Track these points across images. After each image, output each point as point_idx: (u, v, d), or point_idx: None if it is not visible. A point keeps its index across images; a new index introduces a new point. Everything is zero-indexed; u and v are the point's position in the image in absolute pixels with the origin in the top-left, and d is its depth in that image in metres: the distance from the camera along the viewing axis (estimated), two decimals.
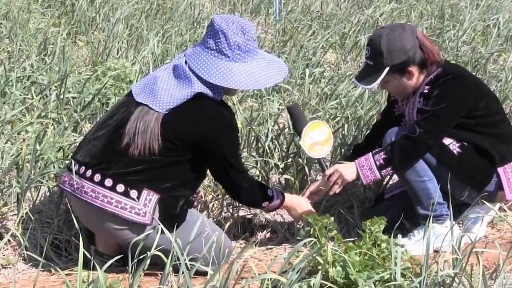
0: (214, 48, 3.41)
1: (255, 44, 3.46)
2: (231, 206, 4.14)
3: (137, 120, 3.37)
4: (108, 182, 3.38)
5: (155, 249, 2.99)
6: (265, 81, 3.47)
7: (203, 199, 4.14)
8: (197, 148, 3.41)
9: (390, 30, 3.84)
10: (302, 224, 3.92)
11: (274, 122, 4.65)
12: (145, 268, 2.91)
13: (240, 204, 4.12)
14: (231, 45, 3.39)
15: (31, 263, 3.69)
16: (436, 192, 3.85)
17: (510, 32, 7.80)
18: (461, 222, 4.02)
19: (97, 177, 3.40)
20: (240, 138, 3.61)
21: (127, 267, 3.46)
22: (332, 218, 3.43)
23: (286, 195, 3.79)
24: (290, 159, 4.28)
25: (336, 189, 3.86)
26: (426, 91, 3.87)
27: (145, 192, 3.39)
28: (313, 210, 3.85)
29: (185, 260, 2.82)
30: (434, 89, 3.83)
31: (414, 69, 3.84)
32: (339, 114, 4.82)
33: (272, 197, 3.69)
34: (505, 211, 4.36)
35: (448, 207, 3.82)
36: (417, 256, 3.39)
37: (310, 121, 3.86)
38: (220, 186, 4.03)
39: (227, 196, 4.16)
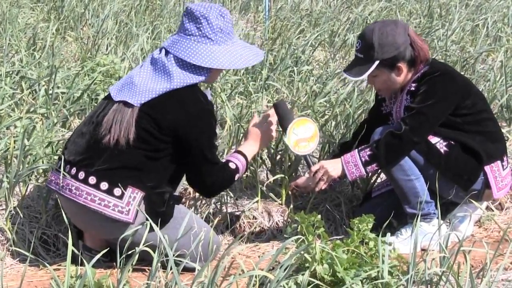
0: (197, 33, 3.44)
1: (232, 28, 3.53)
2: (219, 203, 4.14)
3: (115, 113, 3.41)
4: (92, 179, 3.40)
5: (143, 244, 2.99)
6: (249, 60, 3.52)
7: (191, 196, 4.14)
8: (173, 138, 3.41)
9: (383, 25, 3.86)
10: (290, 221, 3.93)
11: None
12: (133, 263, 2.91)
13: (228, 201, 4.12)
14: (214, 28, 3.44)
15: (19, 258, 3.70)
16: (424, 191, 3.86)
17: (498, 32, 7.82)
18: (448, 221, 4.02)
19: (81, 175, 3.42)
20: (216, 127, 3.60)
21: (114, 263, 3.50)
22: (319, 216, 3.42)
23: (241, 148, 3.74)
24: (278, 156, 4.27)
25: (322, 185, 3.86)
26: (413, 88, 3.88)
27: (129, 190, 3.40)
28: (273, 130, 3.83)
29: (173, 256, 2.82)
30: (421, 87, 3.84)
31: (403, 66, 3.84)
32: (328, 112, 4.82)
33: (237, 167, 3.63)
34: (492, 210, 4.38)
35: (436, 206, 3.84)
36: (404, 254, 3.40)
37: (296, 118, 3.86)
38: None
39: None
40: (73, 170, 3.44)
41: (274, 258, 3.01)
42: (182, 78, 3.41)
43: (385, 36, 3.81)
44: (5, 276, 3.48)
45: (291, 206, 4.05)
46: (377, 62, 3.82)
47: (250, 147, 3.75)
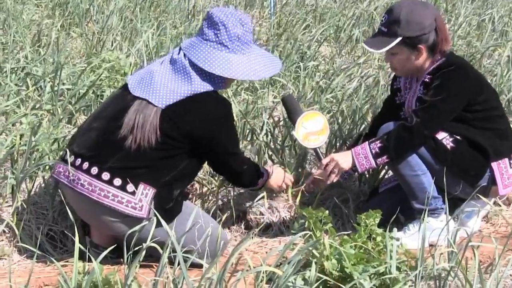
0: (214, 39, 3.43)
1: (251, 37, 3.50)
2: (226, 198, 4.14)
3: (136, 113, 3.38)
4: (106, 175, 3.39)
5: (150, 240, 2.99)
6: (263, 72, 3.52)
7: (197, 192, 4.15)
8: (194, 140, 3.43)
9: (413, 3, 3.83)
10: (297, 216, 3.94)
11: (269, 115, 4.65)
12: (141, 259, 2.92)
13: (235, 197, 4.12)
14: (231, 36, 3.42)
15: (26, 254, 3.70)
16: (431, 186, 3.85)
17: (504, 27, 7.81)
18: (456, 217, 4.02)
19: (94, 170, 3.41)
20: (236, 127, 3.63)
21: (121, 259, 3.50)
22: (327, 212, 3.44)
23: (267, 168, 3.86)
24: (285, 152, 4.28)
25: (333, 178, 3.86)
26: (427, 80, 3.87)
27: (141, 186, 3.40)
28: (291, 178, 3.93)
29: (181, 252, 2.82)
30: (435, 79, 3.83)
31: (424, 49, 3.82)
32: (335, 107, 4.83)
33: (263, 173, 3.77)
34: (500, 205, 4.38)
35: (444, 201, 3.84)
36: (412, 250, 3.41)
37: (305, 111, 3.86)
38: (215, 178, 4.03)
39: (222, 188, 4.18)
40: (85, 165, 3.42)
41: (281, 254, 3.02)
42: (200, 82, 3.41)
43: (413, 14, 3.78)
44: (13, 273, 3.47)
45: (298, 201, 4.05)
46: (399, 38, 3.80)
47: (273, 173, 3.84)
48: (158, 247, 2.91)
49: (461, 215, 4.02)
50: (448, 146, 3.86)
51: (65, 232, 3.83)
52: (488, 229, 4.25)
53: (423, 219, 3.79)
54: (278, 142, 4.30)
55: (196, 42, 3.46)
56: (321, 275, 3.02)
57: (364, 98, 4.79)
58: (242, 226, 4.13)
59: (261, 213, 4.15)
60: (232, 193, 4.14)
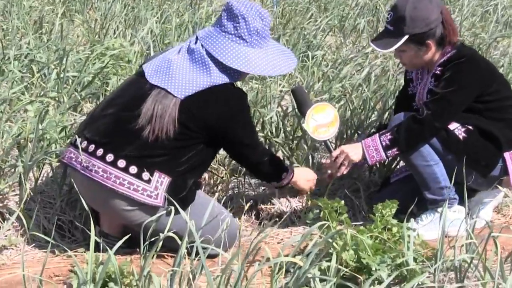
0: (233, 32, 3.39)
1: (269, 31, 3.48)
2: (236, 189, 4.10)
3: (155, 103, 3.34)
4: (121, 163, 3.35)
5: (167, 231, 2.95)
6: (280, 68, 3.49)
7: (206, 181, 4.11)
8: (212, 132, 3.41)
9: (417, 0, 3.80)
10: (309, 206, 3.90)
11: (278, 104, 4.61)
12: (158, 249, 2.88)
13: (246, 187, 4.08)
14: (251, 30, 3.39)
15: (34, 244, 3.64)
16: (443, 176, 3.83)
17: (509, 18, 7.77)
18: (468, 207, 3.97)
19: (110, 157, 3.36)
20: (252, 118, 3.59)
21: (133, 249, 3.48)
22: (342, 202, 3.41)
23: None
24: (295, 142, 4.24)
25: (343, 170, 3.82)
26: (438, 72, 3.84)
27: (156, 175, 3.37)
28: (317, 177, 3.90)
29: (199, 241, 2.78)
30: (446, 71, 3.79)
31: (432, 43, 3.80)
32: (344, 97, 4.78)
33: (287, 168, 3.73)
34: (508, 196, 4.35)
35: (458, 192, 3.81)
36: (427, 241, 3.38)
37: (315, 103, 3.82)
38: (226, 167, 4.00)
39: (232, 178, 4.14)
40: (100, 151, 3.37)
41: (298, 245, 2.99)
42: (219, 74, 3.39)
43: (418, 10, 3.75)
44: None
45: (309, 192, 4.00)
46: (406, 37, 3.77)
47: (299, 172, 3.82)
48: (176, 237, 2.86)
49: (474, 206, 3.99)
50: (460, 136, 3.83)
51: (74, 221, 3.78)
52: (499, 220, 4.22)
53: (442, 210, 3.80)
54: (289, 131, 4.24)
55: (214, 33, 3.42)
56: (339, 266, 2.98)
57: (374, 90, 4.71)
58: (253, 216, 4.08)
59: (272, 203, 4.11)
60: (242, 183, 4.08)
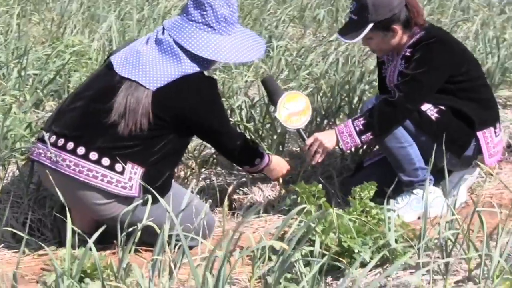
0: (200, 20, 3.35)
1: (237, 17, 3.44)
2: (208, 180, 4.04)
3: (127, 97, 3.29)
4: (94, 155, 3.29)
5: (142, 222, 2.87)
6: (250, 54, 3.45)
7: (177, 173, 4.03)
8: (185, 122, 3.37)
9: None
10: (283, 192, 3.87)
11: (245, 94, 4.55)
12: (136, 240, 2.79)
13: (217, 178, 4.02)
14: (218, 17, 3.35)
15: (2, 245, 3.54)
16: (418, 157, 3.81)
17: (468, 3, 7.80)
18: (442, 188, 3.94)
19: (81, 150, 3.30)
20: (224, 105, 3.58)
21: (105, 245, 3.39)
22: (320, 186, 3.36)
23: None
24: (265, 129, 4.19)
25: (318, 158, 3.78)
26: (408, 54, 3.81)
27: (129, 166, 3.32)
28: (290, 169, 3.86)
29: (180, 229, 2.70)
30: (416, 52, 3.77)
31: (398, 28, 3.77)
32: (312, 84, 4.74)
33: (263, 154, 3.70)
34: (482, 176, 4.33)
35: (432, 173, 3.77)
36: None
37: (286, 92, 3.78)
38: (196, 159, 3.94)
39: (203, 169, 4.07)
40: (70, 145, 3.31)
41: (280, 230, 2.93)
42: (190, 63, 3.34)
43: None
44: None
45: (281, 180, 3.94)
46: (371, 25, 3.74)
47: (274, 160, 3.79)
48: (155, 226, 2.78)
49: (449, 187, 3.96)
50: (433, 117, 3.80)
51: (43, 219, 3.68)
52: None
53: (414, 192, 3.79)
54: (259, 120, 4.19)
55: (182, 22, 3.37)
56: (323, 251, 2.92)
57: (342, 76, 4.68)
58: (226, 207, 4.00)
59: (245, 193, 4.04)
60: (214, 174, 4.02)
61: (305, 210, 3.13)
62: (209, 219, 3.46)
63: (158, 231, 2.75)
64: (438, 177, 3.83)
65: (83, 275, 2.95)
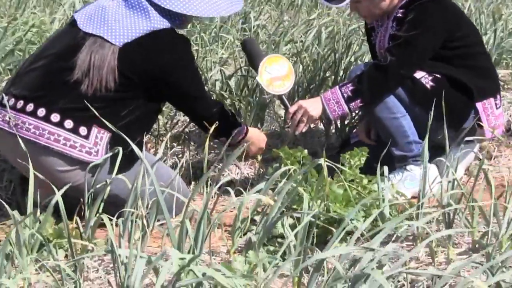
0: None
1: None
2: (180, 155, 3.90)
3: (91, 53, 3.17)
4: (55, 117, 3.15)
5: (108, 194, 2.69)
6: (225, 7, 3.31)
7: (147, 148, 3.84)
8: (155, 82, 3.23)
9: None
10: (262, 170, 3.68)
11: (219, 71, 4.37)
12: (100, 210, 2.60)
13: (191, 153, 3.84)
14: None
15: None
16: (411, 129, 3.66)
17: None
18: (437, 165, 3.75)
19: (42, 112, 3.15)
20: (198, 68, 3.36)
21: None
22: (306, 151, 3.16)
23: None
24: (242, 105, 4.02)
25: (302, 127, 3.60)
26: (400, 15, 3.64)
27: (95, 130, 3.18)
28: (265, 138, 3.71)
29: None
30: (409, 13, 3.60)
31: None
32: (293, 58, 4.56)
33: (240, 124, 3.55)
34: (480, 159, 4.13)
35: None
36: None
37: (268, 55, 3.63)
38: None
39: (174, 144, 3.94)
40: (30, 106, 3.17)
41: (264, 191, 2.70)
42: (160, 18, 3.21)
43: None
44: None
45: (259, 157, 3.73)
46: None
47: (252, 132, 3.63)
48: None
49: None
50: (428, 85, 3.63)
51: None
52: (471, 182, 3.98)
53: (407, 168, 3.62)
54: (234, 91, 4.00)
55: None
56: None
57: (325, 49, 4.50)
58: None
59: (218, 170, 3.82)
60: (188, 149, 3.83)
61: (290, 172, 2.90)
62: (184, 190, 3.31)
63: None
64: (433, 154, 3.63)
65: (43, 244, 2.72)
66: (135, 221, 2.41)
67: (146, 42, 3.19)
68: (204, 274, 1.85)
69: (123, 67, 3.15)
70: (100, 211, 2.63)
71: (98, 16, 3.23)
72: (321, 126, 4.17)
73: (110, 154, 2.92)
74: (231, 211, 3.51)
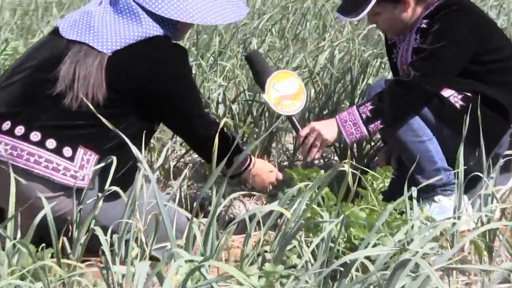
0: None
1: None
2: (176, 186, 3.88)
3: (76, 63, 3.19)
4: (35, 136, 3.15)
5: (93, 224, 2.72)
6: (228, 14, 3.37)
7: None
8: (148, 96, 3.26)
9: None
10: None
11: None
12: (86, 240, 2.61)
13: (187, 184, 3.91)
14: None
15: None
16: (439, 154, 3.70)
17: None
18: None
19: (19, 130, 3.16)
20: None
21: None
22: (322, 172, 3.19)
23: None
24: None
25: (315, 153, 3.65)
26: (425, 25, 3.71)
27: (80, 151, 3.18)
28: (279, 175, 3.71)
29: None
30: (434, 23, 3.67)
31: None
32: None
33: (242, 150, 3.46)
34: None
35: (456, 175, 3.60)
36: None
37: (276, 71, 3.69)
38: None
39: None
40: (6, 125, 3.17)
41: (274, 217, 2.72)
42: (152, 24, 3.26)
43: None
44: None
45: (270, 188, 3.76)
46: None
47: (260, 163, 3.65)
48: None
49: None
50: (457, 105, 3.68)
51: None
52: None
53: (435, 199, 3.65)
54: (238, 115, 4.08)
55: None
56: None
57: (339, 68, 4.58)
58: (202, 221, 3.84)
59: (223, 206, 3.84)
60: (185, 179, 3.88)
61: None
62: (182, 222, 3.25)
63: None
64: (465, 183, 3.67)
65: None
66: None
67: (138, 50, 3.22)
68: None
69: (112, 78, 3.17)
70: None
71: (83, 21, 3.26)
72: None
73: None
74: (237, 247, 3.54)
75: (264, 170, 3.64)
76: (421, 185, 3.59)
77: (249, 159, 3.58)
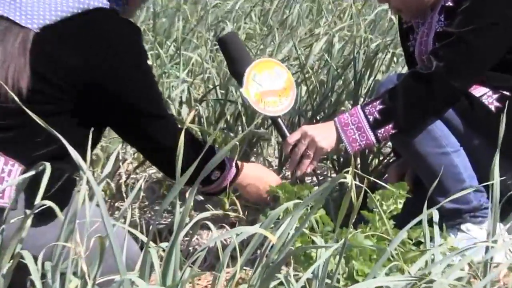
0: None
1: None
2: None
3: None
4: None
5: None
6: None
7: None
8: (89, 93, 3.25)
9: None
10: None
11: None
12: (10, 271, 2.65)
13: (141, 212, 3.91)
14: None
15: None
16: (468, 171, 3.76)
17: None
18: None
19: None
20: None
21: None
22: (316, 188, 3.21)
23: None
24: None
25: (307, 165, 3.68)
26: (451, 3, 3.78)
27: (1, 160, 3.20)
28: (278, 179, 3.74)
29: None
30: (463, 1, 3.72)
31: None
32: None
33: (225, 163, 3.53)
34: None
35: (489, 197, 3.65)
36: None
37: (258, 59, 3.74)
38: None
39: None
40: None
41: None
42: None
43: None
44: None
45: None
46: None
47: (252, 169, 3.68)
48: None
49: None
50: (492, 107, 3.75)
51: None
52: None
53: (461, 228, 3.76)
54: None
55: None
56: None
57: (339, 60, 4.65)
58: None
59: (187, 234, 3.89)
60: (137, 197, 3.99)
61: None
62: (132, 252, 3.27)
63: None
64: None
65: None
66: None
67: (74, 25, 3.22)
68: None
69: (38, 62, 3.18)
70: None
71: None
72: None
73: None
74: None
75: (258, 175, 3.67)
76: (444, 210, 3.72)
77: (234, 167, 3.57)
